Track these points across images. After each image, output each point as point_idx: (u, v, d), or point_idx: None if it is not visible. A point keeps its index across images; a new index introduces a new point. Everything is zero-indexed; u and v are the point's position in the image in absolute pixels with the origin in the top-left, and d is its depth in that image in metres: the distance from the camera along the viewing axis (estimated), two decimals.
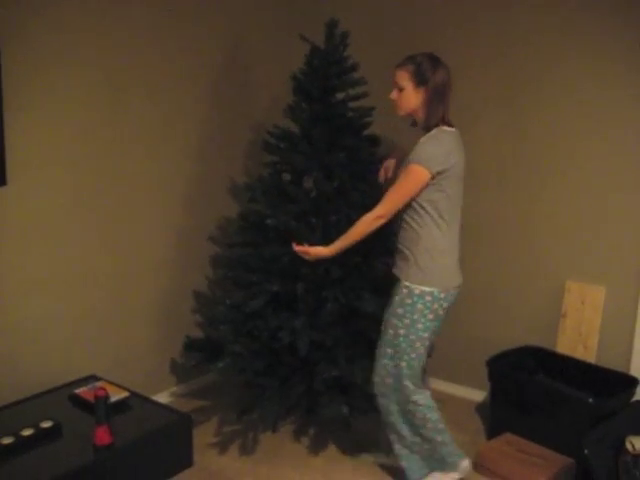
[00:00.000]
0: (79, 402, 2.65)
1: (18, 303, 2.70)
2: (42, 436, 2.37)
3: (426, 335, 2.50)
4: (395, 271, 2.59)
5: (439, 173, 2.39)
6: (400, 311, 2.49)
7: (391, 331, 2.52)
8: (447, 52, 2.71)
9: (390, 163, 2.87)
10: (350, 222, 2.79)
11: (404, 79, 2.45)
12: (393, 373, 2.56)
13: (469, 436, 3.15)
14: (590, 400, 2.74)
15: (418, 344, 2.50)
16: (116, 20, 2.86)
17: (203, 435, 3.06)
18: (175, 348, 3.44)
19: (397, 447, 2.66)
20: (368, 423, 3.11)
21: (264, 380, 2.88)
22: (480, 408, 3.45)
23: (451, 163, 2.41)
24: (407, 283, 2.48)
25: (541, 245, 3.24)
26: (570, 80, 3.04)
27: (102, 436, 2.31)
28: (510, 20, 3.16)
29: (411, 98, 2.46)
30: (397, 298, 2.51)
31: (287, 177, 3.04)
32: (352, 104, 2.97)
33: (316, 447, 3.03)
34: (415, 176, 2.39)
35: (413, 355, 2.52)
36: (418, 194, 2.42)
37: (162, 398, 3.33)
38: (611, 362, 3.03)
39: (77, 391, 2.70)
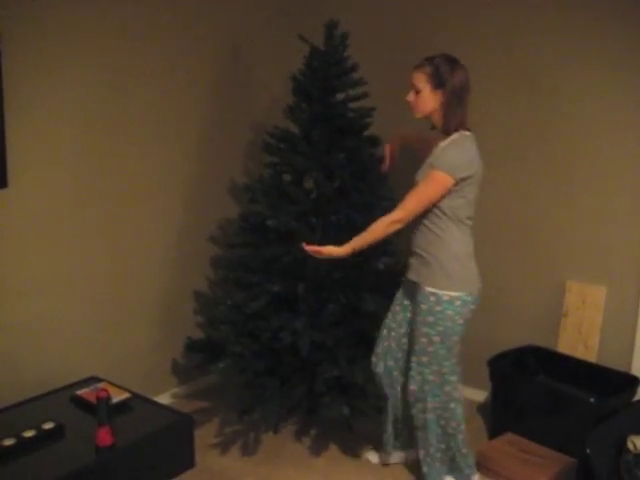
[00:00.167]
0: (81, 403, 2.65)
1: (18, 303, 2.69)
2: (44, 437, 2.37)
3: (459, 339, 2.49)
4: (411, 276, 2.54)
5: (463, 179, 2.35)
6: (431, 319, 2.44)
7: (424, 339, 2.48)
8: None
9: (392, 148, 2.83)
10: (350, 222, 2.79)
11: (421, 81, 2.39)
12: (431, 380, 2.52)
13: (470, 436, 3.14)
14: (591, 400, 2.75)
15: (455, 350, 2.50)
16: (116, 20, 2.86)
17: (204, 436, 3.06)
18: (176, 349, 3.44)
19: (422, 453, 2.65)
20: (369, 424, 3.10)
21: (265, 380, 2.88)
22: (481, 408, 3.45)
23: (474, 169, 2.38)
24: (433, 290, 2.42)
25: (542, 245, 3.23)
26: (570, 81, 3.04)
27: (104, 437, 2.31)
28: (511, 20, 3.16)
29: (428, 101, 2.40)
30: (424, 307, 2.45)
31: (287, 178, 3.04)
32: (352, 105, 2.97)
33: (317, 447, 3.03)
34: (438, 183, 2.34)
35: (454, 360, 2.51)
36: (439, 200, 2.38)
37: (163, 399, 3.32)
38: (612, 361, 3.03)
39: (79, 392, 2.71)
